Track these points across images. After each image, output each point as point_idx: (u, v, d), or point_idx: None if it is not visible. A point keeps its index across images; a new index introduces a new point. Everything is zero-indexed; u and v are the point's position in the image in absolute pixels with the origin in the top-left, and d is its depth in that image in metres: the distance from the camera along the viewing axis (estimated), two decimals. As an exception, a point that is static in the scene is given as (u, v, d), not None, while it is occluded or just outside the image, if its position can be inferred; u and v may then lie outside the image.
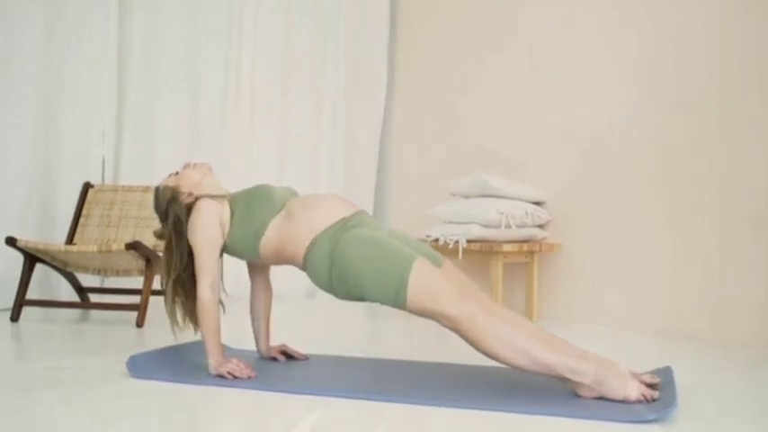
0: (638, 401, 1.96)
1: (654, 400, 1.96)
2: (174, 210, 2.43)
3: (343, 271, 2.16)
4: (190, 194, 2.45)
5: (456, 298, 2.06)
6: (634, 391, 1.97)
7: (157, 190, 2.52)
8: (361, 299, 2.19)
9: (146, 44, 4.59)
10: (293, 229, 2.27)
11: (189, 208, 2.43)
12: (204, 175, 2.49)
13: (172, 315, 2.40)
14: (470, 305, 2.05)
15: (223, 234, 2.36)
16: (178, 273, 2.39)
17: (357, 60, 5.21)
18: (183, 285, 2.40)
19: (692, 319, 3.31)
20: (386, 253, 2.13)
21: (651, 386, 2.06)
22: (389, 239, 2.20)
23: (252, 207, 2.34)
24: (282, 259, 2.34)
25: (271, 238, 2.31)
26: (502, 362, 2.04)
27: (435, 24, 4.93)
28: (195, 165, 2.52)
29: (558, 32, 4.08)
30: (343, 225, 2.23)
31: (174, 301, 2.39)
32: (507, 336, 2.01)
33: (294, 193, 2.48)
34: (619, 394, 1.97)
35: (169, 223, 2.43)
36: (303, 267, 2.28)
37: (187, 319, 2.43)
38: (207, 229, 2.33)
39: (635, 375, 2.06)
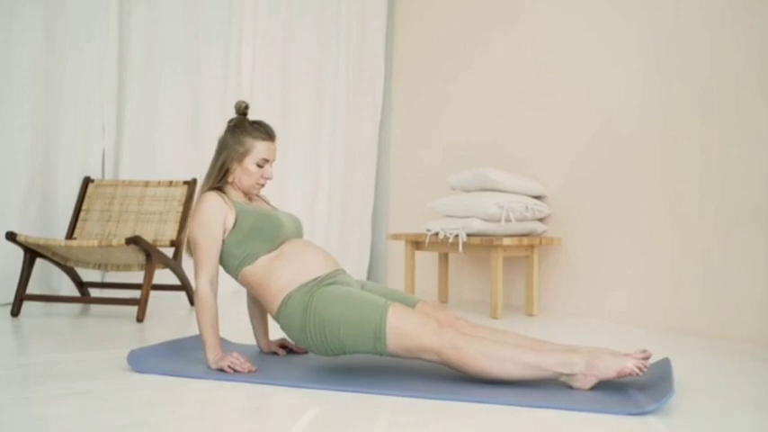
0: (633, 373, 2.00)
1: (646, 369, 2.01)
2: (226, 136, 2.45)
3: (319, 326, 2.21)
4: (229, 172, 2.44)
5: (432, 330, 2.12)
6: (629, 363, 2.01)
7: (246, 122, 2.47)
8: (340, 352, 2.24)
9: (146, 44, 4.59)
10: (273, 277, 2.30)
11: (221, 167, 2.43)
12: (252, 187, 2.47)
13: None
14: (448, 333, 2.11)
15: (224, 232, 2.37)
16: (211, 184, 2.43)
17: (357, 60, 5.22)
18: None
19: (693, 315, 3.31)
20: (360, 304, 2.19)
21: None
22: (362, 292, 2.26)
23: (255, 233, 2.35)
24: (256, 294, 2.38)
25: (254, 271, 2.34)
26: (496, 378, 2.08)
27: (435, 22, 4.94)
28: (267, 181, 2.49)
29: (558, 31, 4.08)
30: (318, 283, 2.27)
31: None
32: (492, 351, 2.07)
33: (299, 233, 2.50)
34: (613, 370, 2.02)
35: (221, 137, 2.48)
36: (276, 318, 2.33)
37: None
38: (210, 226, 2.34)
39: (626, 354, 2.10)
